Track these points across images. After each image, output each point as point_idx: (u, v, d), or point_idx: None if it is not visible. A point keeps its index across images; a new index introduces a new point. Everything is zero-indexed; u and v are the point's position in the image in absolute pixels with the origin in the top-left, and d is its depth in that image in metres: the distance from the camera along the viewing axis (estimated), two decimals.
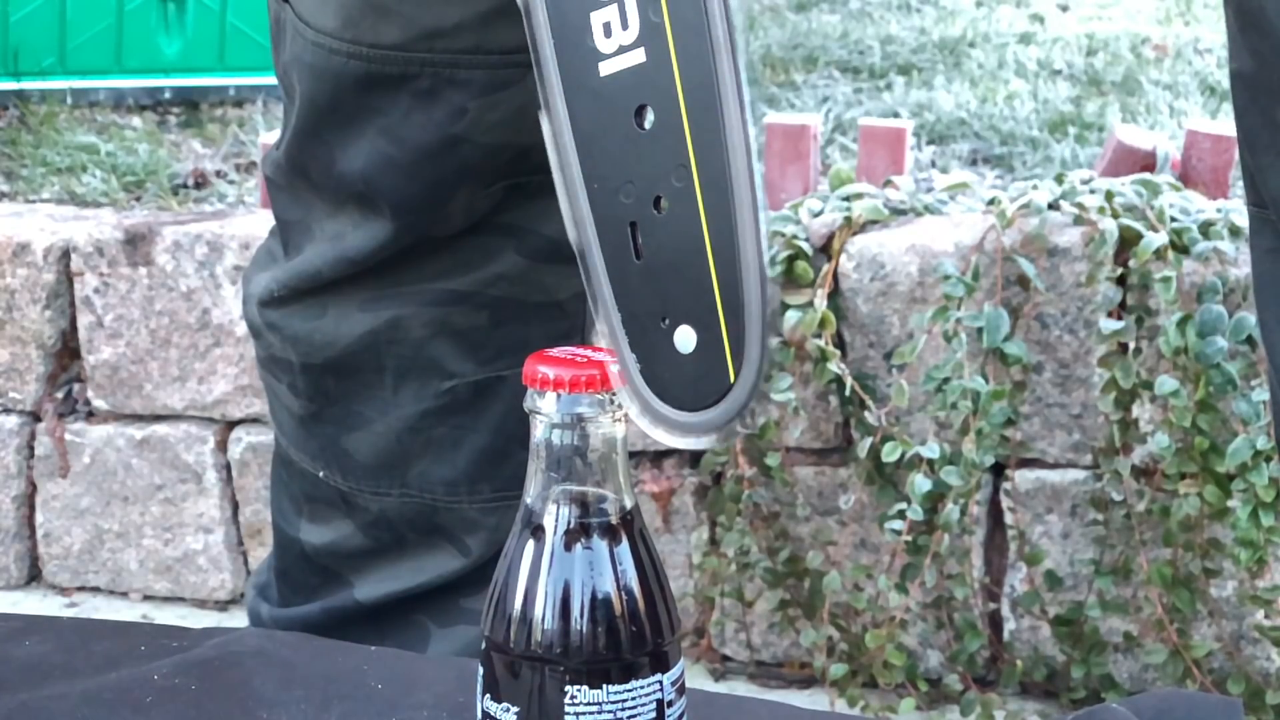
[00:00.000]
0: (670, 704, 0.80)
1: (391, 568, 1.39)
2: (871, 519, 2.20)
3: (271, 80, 1.48)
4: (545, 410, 0.79)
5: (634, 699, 0.79)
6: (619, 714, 0.79)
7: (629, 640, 0.79)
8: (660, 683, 0.80)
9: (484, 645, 0.82)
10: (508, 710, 0.80)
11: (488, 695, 0.81)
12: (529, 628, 0.80)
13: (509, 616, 0.80)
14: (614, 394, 0.79)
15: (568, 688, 0.79)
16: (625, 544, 0.80)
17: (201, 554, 2.48)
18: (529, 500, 0.81)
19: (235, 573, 2.49)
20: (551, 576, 0.80)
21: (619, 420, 0.80)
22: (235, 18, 3.13)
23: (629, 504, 0.81)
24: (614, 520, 0.80)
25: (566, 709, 0.79)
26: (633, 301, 0.81)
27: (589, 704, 0.79)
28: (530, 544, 0.80)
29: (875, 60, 3.18)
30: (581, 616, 0.79)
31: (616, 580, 0.80)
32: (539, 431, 0.80)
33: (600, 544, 0.80)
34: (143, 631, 1.13)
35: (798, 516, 2.22)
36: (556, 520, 0.80)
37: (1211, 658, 2.13)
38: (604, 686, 0.79)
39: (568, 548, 0.80)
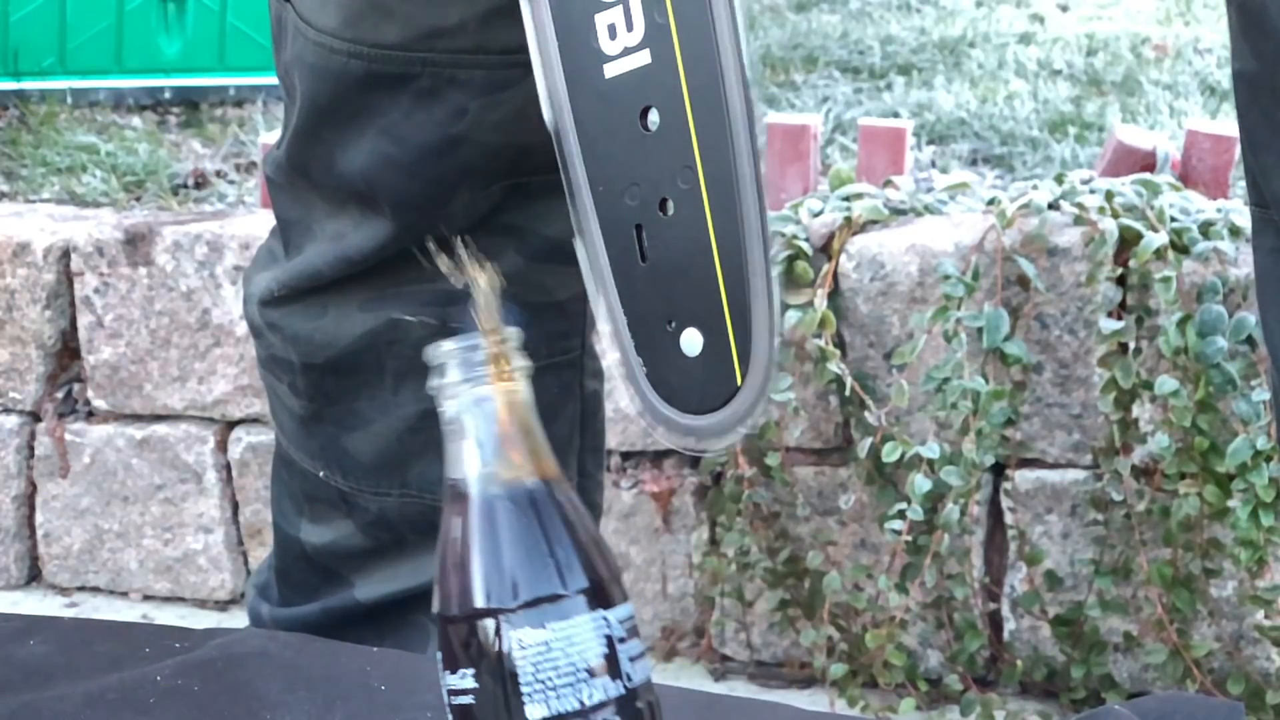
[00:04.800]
0: (623, 640, 0.81)
1: (392, 568, 1.39)
2: (871, 519, 2.19)
3: (271, 80, 1.48)
4: (445, 384, 0.82)
5: (580, 634, 0.80)
6: (568, 650, 0.80)
7: (559, 576, 0.81)
8: (605, 619, 0.81)
9: (437, 625, 0.82)
10: (464, 676, 0.81)
11: (447, 672, 0.82)
12: (466, 588, 0.81)
13: (448, 585, 0.82)
14: (504, 357, 0.81)
15: (513, 634, 0.80)
16: (547, 497, 0.82)
17: (201, 554, 2.48)
18: (450, 475, 0.83)
19: (235, 573, 2.49)
20: (478, 535, 0.81)
21: (511, 379, 0.81)
22: (235, 18, 3.12)
23: (547, 463, 0.83)
24: (529, 482, 0.82)
25: (517, 657, 0.80)
26: (639, 304, 0.81)
27: (537, 645, 0.80)
28: (456, 516, 0.82)
29: (875, 60, 3.18)
30: (511, 563, 0.81)
31: (542, 526, 0.81)
32: (446, 407, 0.82)
33: (522, 500, 0.82)
34: (145, 632, 1.13)
35: (798, 516, 2.22)
36: (477, 488, 0.82)
37: (1211, 658, 2.13)
38: (546, 625, 0.80)
39: (490, 508, 0.82)
